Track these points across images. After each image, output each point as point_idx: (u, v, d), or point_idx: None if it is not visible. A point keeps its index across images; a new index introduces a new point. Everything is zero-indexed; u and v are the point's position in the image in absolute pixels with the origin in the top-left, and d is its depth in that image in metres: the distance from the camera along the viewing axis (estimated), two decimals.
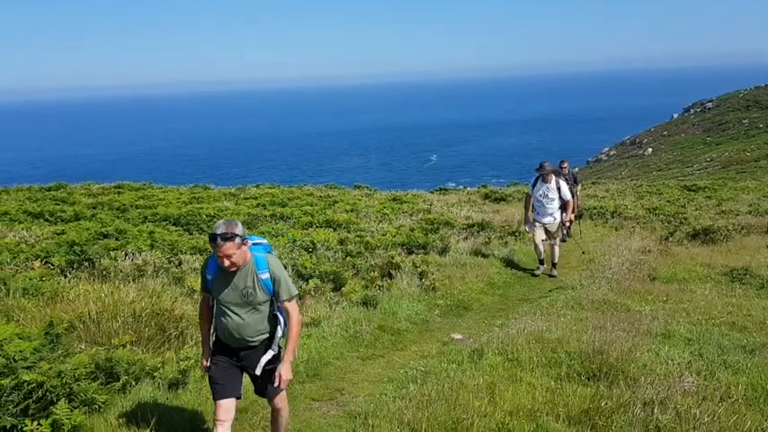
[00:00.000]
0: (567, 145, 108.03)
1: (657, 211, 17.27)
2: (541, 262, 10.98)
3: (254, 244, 4.12)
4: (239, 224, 3.88)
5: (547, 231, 10.75)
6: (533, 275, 10.78)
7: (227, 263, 3.85)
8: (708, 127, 69.30)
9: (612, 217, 16.85)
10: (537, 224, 10.71)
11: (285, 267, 9.13)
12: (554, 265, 10.97)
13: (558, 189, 10.45)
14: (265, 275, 4.02)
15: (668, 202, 20.50)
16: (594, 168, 69.75)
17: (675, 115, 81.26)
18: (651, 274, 10.22)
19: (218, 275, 4.02)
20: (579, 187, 14.75)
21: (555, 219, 10.63)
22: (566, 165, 14.14)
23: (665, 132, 73.73)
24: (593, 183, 31.86)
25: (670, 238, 13.24)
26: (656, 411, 4.68)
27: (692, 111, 79.29)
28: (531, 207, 10.83)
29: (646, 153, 67.39)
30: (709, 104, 76.90)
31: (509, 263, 11.35)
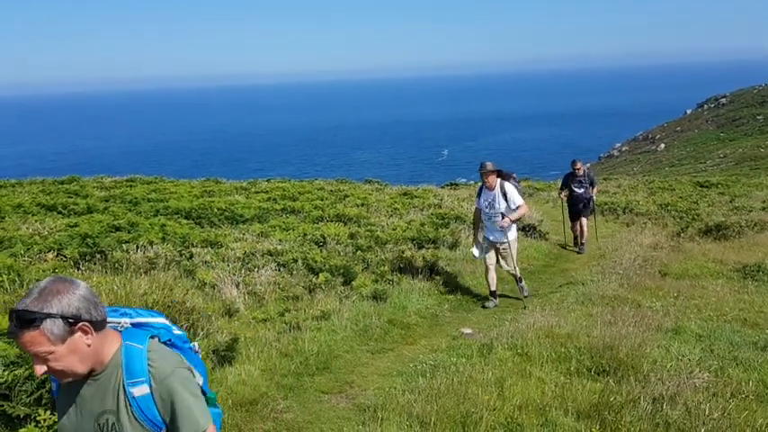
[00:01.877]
0: (578, 140, 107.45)
1: (669, 207, 17.18)
2: (493, 294, 8.78)
3: (133, 325, 2.25)
4: (78, 287, 2.04)
5: (499, 253, 8.69)
6: (483, 307, 8.65)
7: (39, 369, 2.03)
8: (721, 123, 68.67)
9: (624, 213, 16.79)
10: (486, 244, 8.67)
11: (295, 261, 9.20)
12: (524, 295, 8.92)
13: (504, 195, 8.29)
14: (142, 390, 2.10)
15: (680, 198, 20.38)
16: (606, 164, 69.36)
17: (689, 111, 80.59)
18: (662, 270, 10.17)
19: (63, 387, 2.23)
20: (596, 189, 13.17)
21: (507, 237, 8.50)
22: (579, 165, 12.68)
23: (678, 128, 73.18)
24: (604, 178, 31.74)
25: (682, 234, 13.17)
26: (665, 407, 4.67)
27: (705, 106, 78.60)
28: (480, 223, 8.85)
29: (658, 149, 66.93)
30: (723, 100, 76.17)
31: (519, 258, 11.31)
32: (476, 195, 8.84)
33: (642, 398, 4.81)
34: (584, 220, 12.63)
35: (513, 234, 8.58)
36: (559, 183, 14.22)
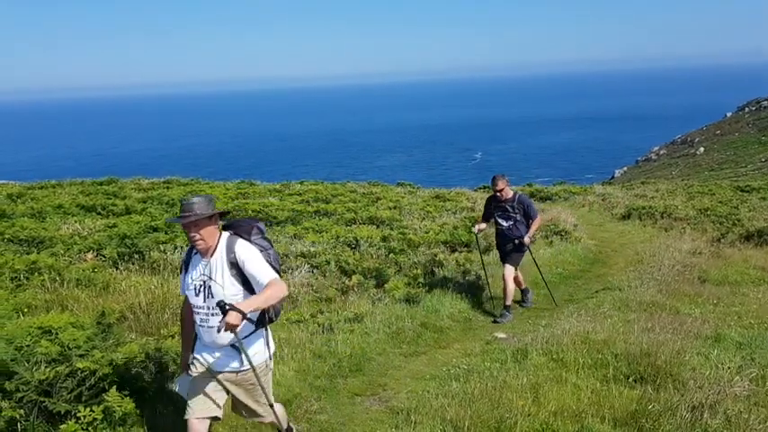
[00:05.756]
0: (615, 143, 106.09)
1: (709, 212, 16.80)
2: None
3: None
4: None
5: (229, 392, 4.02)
6: None
7: None
8: (763, 126, 66.91)
9: (662, 217, 16.46)
10: (196, 368, 3.95)
11: (328, 263, 9.20)
12: None
13: (236, 268, 3.80)
14: None
15: (720, 202, 19.92)
16: (644, 167, 68.20)
17: (729, 114, 78.78)
18: (701, 276, 9.96)
19: None
20: (536, 224, 8.52)
21: (242, 363, 3.87)
22: (501, 185, 8.30)
23: (717, 131, 71.60)
24: (642, 182, 31.19)
25: (722, 240, 12.89)
26: (705, 415, 4.57)
27: (746, 109, 76.71)
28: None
29: (697, 152, 65.56)
30: (765, 103, 74.25)
31: (554, 263, 11.20)
32: (181, 268, 4.06)
33: (681, 406, 4.70)
34: (508, 269, 8.46)
35: (256, 354, 3.93)
36: (595, 187, 13.06)
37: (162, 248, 8.79)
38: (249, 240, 3.93)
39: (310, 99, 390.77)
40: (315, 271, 8.89)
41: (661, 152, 74.09)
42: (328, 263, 9.08)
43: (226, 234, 3.91)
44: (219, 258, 3.81)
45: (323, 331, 6.83)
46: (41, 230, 9.52)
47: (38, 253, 8.13)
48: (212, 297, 3.78)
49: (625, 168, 70.07)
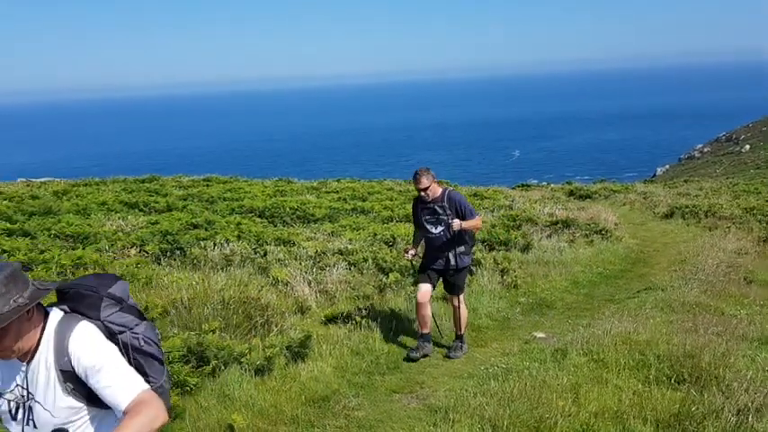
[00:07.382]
0: (656, 142, 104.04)
1: (755, 211, 16.35)
2: None
3: None
4: None
5: None
6: None
7: None
8: None
9: (706, 216, 16.07)
10: None
11: (365, 260, 9.22)
12: None
13: (71, 378, 2.26)
14: None
15: (767, 201, 19.38)
16: (687, 166, 66.72)
17: None
18: (747, 276, 9.71)
19: None
20: (476, 221, 6.69)
21: None
22: (424, 181, 6.33)
23: (764, 128, 69.55)
24: (685, 180, 30.53)
25: None
26: (751, 419, 4.46)
27: None
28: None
29: (743, 150, 63.83)
30: None
31: (594, 262, 11.05)
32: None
33: (726, 408, 4.60)
34: (455, 299, 6.75)
35: None
36: (637, 186, 12.88)
37: (202, 245, 8.93)
38: (99, 320, 2.38)
39: (352, 97, 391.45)
40: (352, 268, 8.91)
41: (705, 150, 72.40)
42: (366, 260, 9.10)
43: (55, 317, 2.35)
44: (43, 363, 2.28)
45: (360, 328, 6.85)
46: (86, 227, 9.75)
47: (83, 248, 8.32)
48: (35, 426, 2.32)
49: (667, 166, 68.68)
